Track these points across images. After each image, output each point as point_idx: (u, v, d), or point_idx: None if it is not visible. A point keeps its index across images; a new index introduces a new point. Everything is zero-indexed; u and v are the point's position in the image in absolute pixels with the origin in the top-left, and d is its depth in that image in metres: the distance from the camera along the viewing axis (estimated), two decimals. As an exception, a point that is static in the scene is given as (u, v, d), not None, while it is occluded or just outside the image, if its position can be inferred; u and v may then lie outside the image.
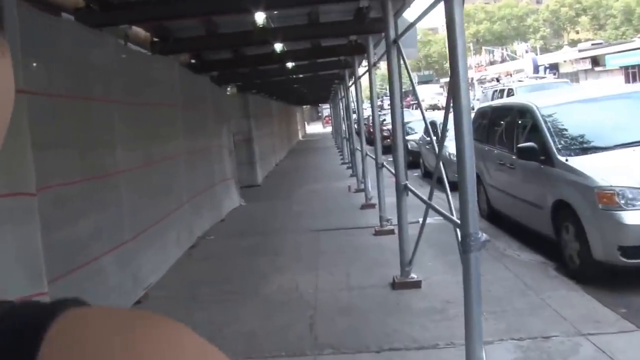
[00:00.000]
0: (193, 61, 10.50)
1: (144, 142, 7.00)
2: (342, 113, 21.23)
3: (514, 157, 7.64)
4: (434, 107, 48.45)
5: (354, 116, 15.21)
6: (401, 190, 6.19)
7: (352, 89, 13.94)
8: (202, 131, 10.02)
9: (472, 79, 61.78)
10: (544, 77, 21.16)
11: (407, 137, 18.77)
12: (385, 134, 23.64)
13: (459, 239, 3.73)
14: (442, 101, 57.92)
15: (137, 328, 0.38)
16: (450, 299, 5.64)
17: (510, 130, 8.14)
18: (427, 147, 14.44)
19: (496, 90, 18.82)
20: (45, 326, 0.37)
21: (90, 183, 5.47)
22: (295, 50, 10.66)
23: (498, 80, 19.37)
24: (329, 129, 47.61)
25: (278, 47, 9.80)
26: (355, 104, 10.74)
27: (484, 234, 3.62)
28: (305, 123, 54.46)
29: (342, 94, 19.94)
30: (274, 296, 6.14)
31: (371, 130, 19.31)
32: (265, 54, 10.49)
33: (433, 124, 15.22)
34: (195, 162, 9.21)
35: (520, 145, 7.23)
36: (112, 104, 6.18)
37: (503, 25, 70.08)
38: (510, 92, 17.05)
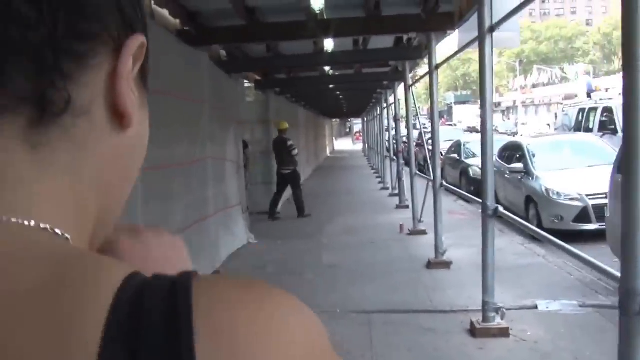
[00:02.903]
0: (186, 28, 6.87)
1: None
2: (385, 126, 17.57)
3: None
4: (473, 130, 44.63)
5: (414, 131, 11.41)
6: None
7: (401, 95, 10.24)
8: (186, 134, 6.35)
9: (515, 101, 57.45)
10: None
11: (468, 161, 14.99)
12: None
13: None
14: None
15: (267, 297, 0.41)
16: None
17: None
18: (506, 176, 10.55)
19: (583, 109, 14.73)
20: (191, 282, 0.40)
21: None
22: (341, 20, 6.93)
23: (589, 96, 15.32)
24: (359, 145, 43.98)
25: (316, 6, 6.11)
26: (431, 106, 7.02)
27: None
28: (334, 138, 50.84)
29: (385, 105, 16.33)
30: None
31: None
32: (294, 22, 6.79)
33: (517, 146, 11.51)
34: (166, 183, 5.53)
35: None
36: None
37: (550, 47, 65.82)
38: (608, 113, 13.06)
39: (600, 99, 14.65)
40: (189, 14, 6.64)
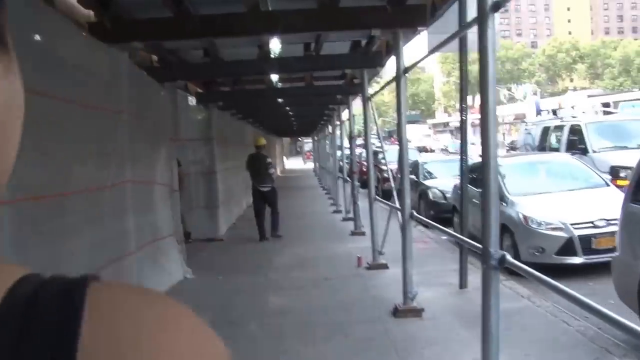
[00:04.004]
0: (99, 20, 5.55)
1: None
2: (338, 144, 16.50)
3: None
4: (423, 150, 44.38)
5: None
6: None
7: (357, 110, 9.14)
8: (94, 152, 5.02)
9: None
10: (614, 112, 16.52)
11: (426, 182, 13.93)
12: (385, 175, 18.98)
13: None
14: (430, 144, 53.67)
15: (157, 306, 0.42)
16: None
17: None
18: (474, 200, 9.49)
19: (548, 128, 13.86)
20: (85, 287, 0.39)
21: None
22: (289, 12, 5.72)
23: (555, 113, 14.52)
24: (310, 164, 42.94)
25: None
26: (398, 117, 5.91)
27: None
28: (285, 157, 49.62)
29: (337, 122, 15.23)
30: None
31: (364, 170, 14.56)
32: (232, 14, 5.55)
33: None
34: (57, 216, 4.20)
35: None
36: None
37: (497, 67, 66.30)
38: (576, 131, 12.20)
39: (565, 118, 13.89)
40: (102, 3, 5.33)
